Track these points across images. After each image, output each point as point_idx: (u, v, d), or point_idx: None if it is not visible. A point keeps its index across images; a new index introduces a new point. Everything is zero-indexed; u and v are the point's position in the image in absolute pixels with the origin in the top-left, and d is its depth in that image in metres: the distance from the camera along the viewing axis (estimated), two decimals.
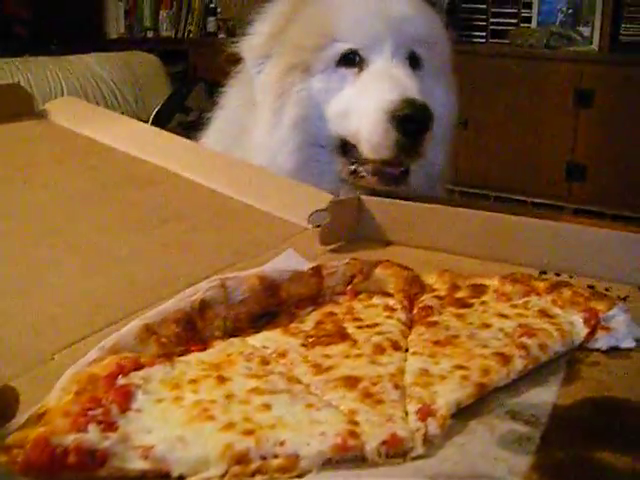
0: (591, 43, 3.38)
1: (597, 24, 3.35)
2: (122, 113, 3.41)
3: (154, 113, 3.15)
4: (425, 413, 0.61)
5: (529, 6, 3.52)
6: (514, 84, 3.35)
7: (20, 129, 1.42)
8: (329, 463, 0.57)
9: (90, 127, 1.41)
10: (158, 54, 4.04)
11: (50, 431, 0.55)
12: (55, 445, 0.54)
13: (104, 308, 0.80)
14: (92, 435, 0.56)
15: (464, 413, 0.63)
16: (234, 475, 0.55)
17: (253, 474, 0.55)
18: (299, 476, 0.56)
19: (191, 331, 0.69)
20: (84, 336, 0.74)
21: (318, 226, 0.99)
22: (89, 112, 1.55)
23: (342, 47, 1.25)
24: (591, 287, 0.85)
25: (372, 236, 1.01)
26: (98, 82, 3.49)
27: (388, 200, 1.04)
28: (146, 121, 3.08)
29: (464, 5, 3.69)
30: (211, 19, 4.83)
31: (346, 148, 1.26)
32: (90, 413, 0.58)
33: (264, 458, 0.56)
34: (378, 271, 0.82)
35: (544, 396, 0.67)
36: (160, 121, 3.09)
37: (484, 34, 3.67)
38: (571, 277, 0.89)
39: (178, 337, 0.68)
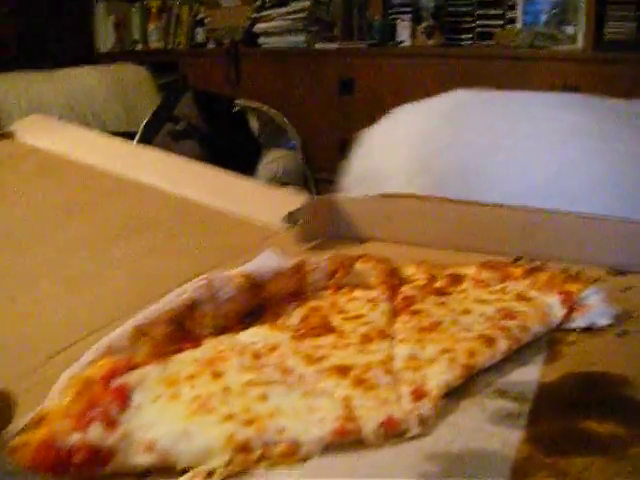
0: (576, 42, 3.42)
1: (581, 23, 3.39)
2: (112, 125, 3.39)
3: (144, 123, 3.15)
4: (418, 395, 0.63)
5: (514, 7, 3.56)
6: (500, 84, 3.39)
7: None
8: (329, 449, 0.58)
9: (58, 144, 1.41)
10: (148, 66, 4.03)
11: (53, 432, 0.56)
12: (60, 446, 0.55)
13: (93, 314, 0.81)
14: (95, 434, 0.57)
15: (455, 394, 0.65)
16: (238, 463, 0.56)
17: (256, 461, 0.57)
18: (301, 460, 0.57)
19: (181, 330, 0.70)
20: (75, 341, 0.75)
21: (294, 226, 1.01)
22: (57, 129, 1.55)
23: None
24: (564, 271, 0.88)
25: (348, 234, 1.03)
26: (88, 95, 3.48)
27: (362, 197, 1.06)
28: (136, 132, 3.07)
29: (450, 8, 3.73)
30: (199, 30, 4.83)
31: None
32: (90, 413, 0.58)
33: (266, 446, 0.57)
34: (358, 265, 0.83)
35: (529, 375, 0.69)
36: (149, 131, 3.10)
37: (470, 36, 3.70)
38: (543, 264, 0.92)
39: (169, 337, 0.69)
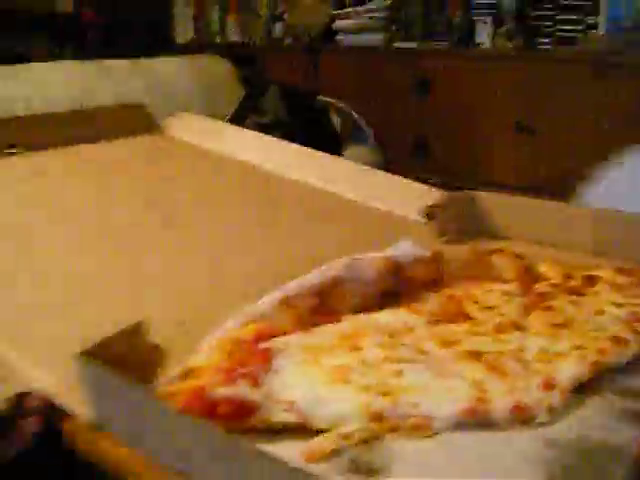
0: None
1: None
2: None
3: (229, 114, 3.21)
4: (547, 385, 0.65)
5: (596, 13, 3.49)
6: (579, 91, 3.34)
7: (143, 143, 1.51)
8: (459, 427, 0.61)
9: (207, 139, 1.49)
10: (226, 59, 4.09)
11: (204, 384, 0.61)
12: (208, 396, 0.60)
13: (235, 286, 0.86)
14: (242, 389, 0.61)
15: (583, 389, 0.67)
16: (371, 431, 0.60)
17: (389, 431, 0.60)
18: (431, 435, 0.60)
19: (323, 305, 0.74)
20: (220, 306, 0.80)
21: (431, 219, 1.03)
22: (205, 126, 1.62)
23: None
24: None
25: (484, 230, 1.05)
26: (171, 85, 3.52)
27: (500, 195, 1.08)
28: None
29: (532, 12, 3.69)
30: (278, 25, 4.84)
31: None
32: (238, 371, 0.63)
33: (399, 418, 0.61)
34: (495, 259, 0.86)
35: None
36: (235, 122, 3.16)
37: (550, 40, 3.66)
38: None
39: (312, 310, 0.73)
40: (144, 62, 3.60)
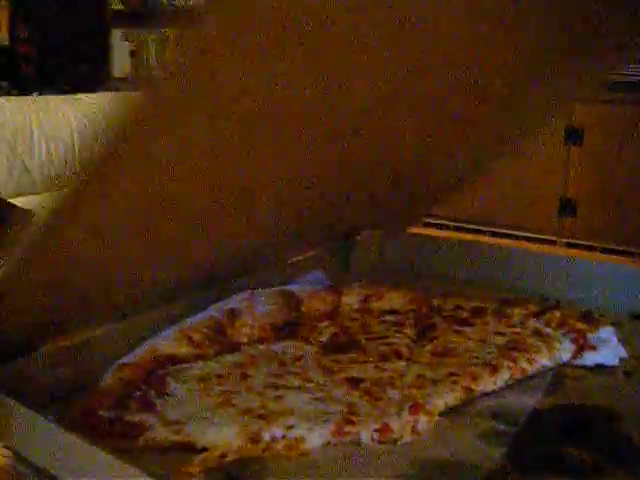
0: None
1: None
2: None
3: None
4: (416, 409, 0.70)
5: None
6: None
7: None
8: (329, 446, 0.67)
9: None
10: None
11: (96, 404, 0.67)
12: (100, 415, 0.66)
13: None
14: (132, 411, 0.67)
15: (453, 413, 0.73)
16: (247, 450, 0.65)
17: (263, 451, 0.66)
18: (302, 454, 0.66)
19: (221, 336, 0.81)
20: None
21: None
22: None
23: None
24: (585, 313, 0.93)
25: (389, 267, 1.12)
26: (107, 120, 3.48)
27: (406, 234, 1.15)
28: None
29: None
30: None
31: None
32: (133, 394, 0.69)
33: (273, 439, 0.67)
34: (390, 292, 0.92)
35: (526, 401, 0.76)
36: None
37: None
38: (562, 304, 0.98)
39: (210, 341, 0.80)
40: (81, 97, 3.58)
